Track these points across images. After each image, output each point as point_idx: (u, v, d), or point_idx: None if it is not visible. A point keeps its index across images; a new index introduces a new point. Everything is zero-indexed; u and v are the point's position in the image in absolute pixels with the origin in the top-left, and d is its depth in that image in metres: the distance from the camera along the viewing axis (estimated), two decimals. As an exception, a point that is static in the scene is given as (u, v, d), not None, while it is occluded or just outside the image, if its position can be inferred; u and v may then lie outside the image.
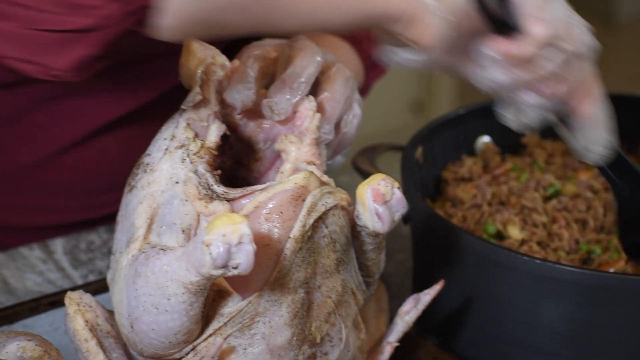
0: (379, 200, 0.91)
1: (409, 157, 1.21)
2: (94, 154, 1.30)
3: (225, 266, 0.82)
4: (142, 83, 1.28)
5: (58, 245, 1.31)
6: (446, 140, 1.29)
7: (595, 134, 1.03)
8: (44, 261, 1.29)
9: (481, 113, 1.32)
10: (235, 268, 0.82)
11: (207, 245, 0.81)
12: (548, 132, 1.34)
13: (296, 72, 0.98)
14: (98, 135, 1.29)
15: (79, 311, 0.98)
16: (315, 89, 1.01)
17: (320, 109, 0.99)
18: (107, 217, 1.33)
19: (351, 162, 1.23)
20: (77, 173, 1.31)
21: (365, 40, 1.34)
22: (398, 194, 0.91)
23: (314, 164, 0.96)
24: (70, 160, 1.30)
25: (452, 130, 1.30)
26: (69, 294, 0.99)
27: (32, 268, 1.27)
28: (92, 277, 1.26)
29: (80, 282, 1.25)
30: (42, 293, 1.22)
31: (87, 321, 0.97)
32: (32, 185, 1.31)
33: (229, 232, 0.81)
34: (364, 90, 1.36)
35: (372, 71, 1.35)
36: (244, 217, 0.82)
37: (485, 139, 1.33)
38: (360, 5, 0.92)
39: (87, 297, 0.99)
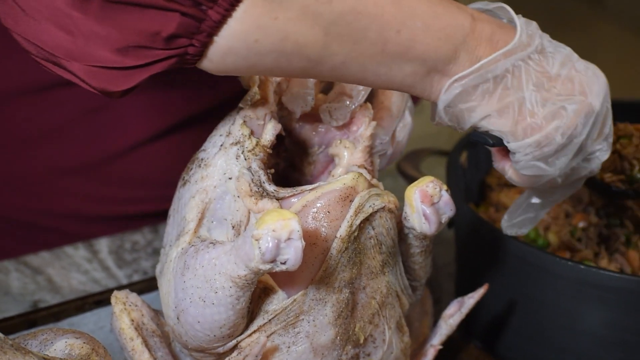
0: (427, 202, 0.91)
1: (454, 161, 1.21)
2: (172, 147, 1.32)
3: (273, 261, 0.82)
4: (216, 83, 1.31)
5: (103, 244, 1.32)
6: (490, 145, 1.29)
7: None
8: (89, 260, 1.30)
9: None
10: (283, 264, 0.82)
11: (256, 240, 0.82)
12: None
13: None
14: (180, 128, 1.33)
15: (124, 310, 0.98)
16: (370, 96, 1.01)
17: (376, 117, 0.99)
18: None
19: (396, 166, 1.24)
20: (155, 164, 1.33)
21: None
22: (446, 196, 0.91)
23: (365, 169, 0.96)
24: (151, 150, 1.33)
25: (496, 136, 1.30)
26: (115, 293, 1.00)
27: (77, 267, 1.28)
28: (136, 277, 1.27)
29: (124, 281, 1.26)
30: (87, 292, 1.23)
31: (132, 320, 0.98)
32: (113, 175, 1.34)
33: (279, 227, 0.81)
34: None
35: None
36: (294, 214, 0.82)
37: (530, 144, 1.33)
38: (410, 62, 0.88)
39: (133, 297, 1.00)
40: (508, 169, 0.96)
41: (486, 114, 0.90)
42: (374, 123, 0.98)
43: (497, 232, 1.09)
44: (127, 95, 0.86)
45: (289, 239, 0.81)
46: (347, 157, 0.96)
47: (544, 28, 0.94)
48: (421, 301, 1.08)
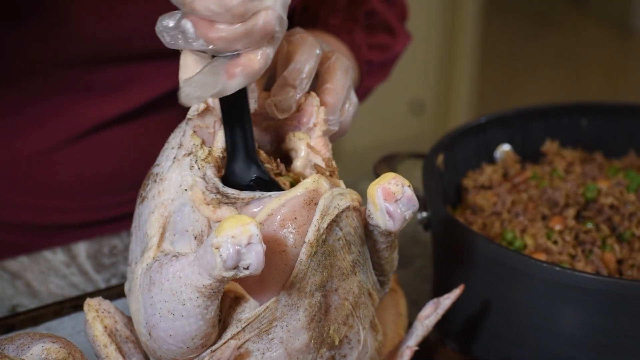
0: (390, 199, 0.90)
1: (431, 164, 1.21)
2: (90, 152, 1.31)
3: (236, 267, 0.82)
4: (140, 83, 1.29)
5: (81, 249, 1.32)
6: (467, 148, 1.30)
7: None
8: (67, 265, 1.30)
9: (502, 122, 1.33)
10: (246, 269, 0.82)
11: (216, 248, 0.82)
12: (568, 141, 1.35)
13: (297, 68, 0.98)
14: (93, 134, 1.31)
15: (97, 317, 0.99)
16: (315, 80, 1.01)
17: (322, 101, 0.99)
18: (118, 218, 1.35)
19: (372, 169, 1.24)
20: (73, 171, 1.32)
21: (365, 46, 1.35)
22: (409, 192, 0.91)
23: (326, 157, 0.96)
24: (65, 157, 1.32)
25: (473, 139, 1.30)
26: (88, 300, 1.00)
27: (56, 271, 1.28)
28: (114, 281, 1.27)
29: (103, 285, 1.26)
30: (65, 296, 1.23)
31: (105, 327, 0.98)
32: (32, 184, 1.33)
33: (238, 233, 0.81)
34: (362, 95, 1.37)
35: (372, 76, 1.36)
36: (252, 218, 0.82)
37: (506, 147, 1.33)
38: None
39: (106, 303, 1.00)
40: None
41: None
42: (322, 108, 0.98)
43: (474, 234, 1.10)
44: None
45: (249, 243, 0.81)
46: (304, 148, 0.96)
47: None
48: (395, 303, 1.08)
